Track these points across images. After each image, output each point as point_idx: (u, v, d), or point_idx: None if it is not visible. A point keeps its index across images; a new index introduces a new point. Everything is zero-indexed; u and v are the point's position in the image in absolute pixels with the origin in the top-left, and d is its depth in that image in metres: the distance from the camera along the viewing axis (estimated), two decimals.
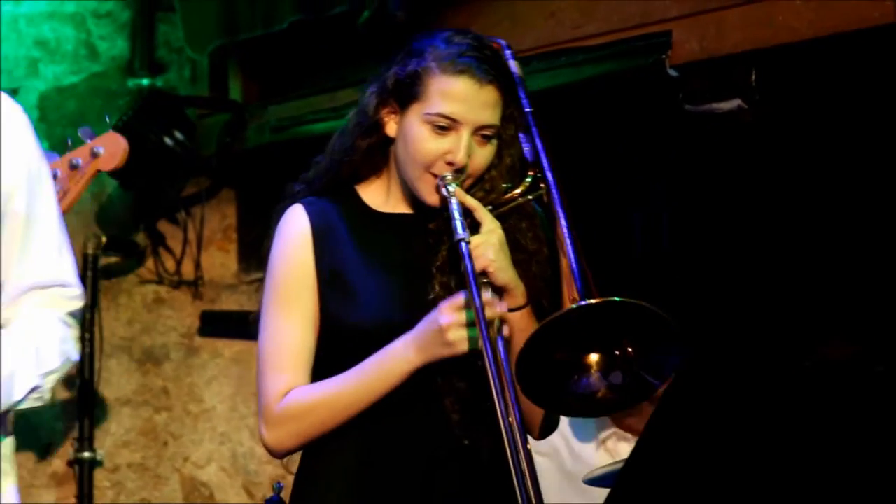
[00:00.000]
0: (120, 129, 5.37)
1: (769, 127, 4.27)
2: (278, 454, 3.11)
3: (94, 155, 3.59)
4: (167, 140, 5.47)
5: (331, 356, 3.08)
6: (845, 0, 3.88)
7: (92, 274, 5.52)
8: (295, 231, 3.12)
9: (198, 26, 5.48)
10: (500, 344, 2.88)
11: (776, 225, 4.75)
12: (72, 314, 3.27)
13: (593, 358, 2.94)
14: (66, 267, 3.26)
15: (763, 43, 3.99)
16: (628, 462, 3.29)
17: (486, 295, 2.93)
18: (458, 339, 2.92)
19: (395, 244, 3.15)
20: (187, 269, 5.72)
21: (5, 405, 3.09)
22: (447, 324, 2.92)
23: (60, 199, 3.57)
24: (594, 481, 4.06)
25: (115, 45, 5.76)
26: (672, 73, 4.15)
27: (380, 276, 3.10)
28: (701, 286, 4.87)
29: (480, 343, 2.86)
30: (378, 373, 3.00)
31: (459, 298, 2.94)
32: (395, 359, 2.99)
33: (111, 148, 3.56)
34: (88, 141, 3.64)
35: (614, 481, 3.69)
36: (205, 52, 5.57)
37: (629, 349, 2.92)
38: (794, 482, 3.10)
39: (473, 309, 2.88)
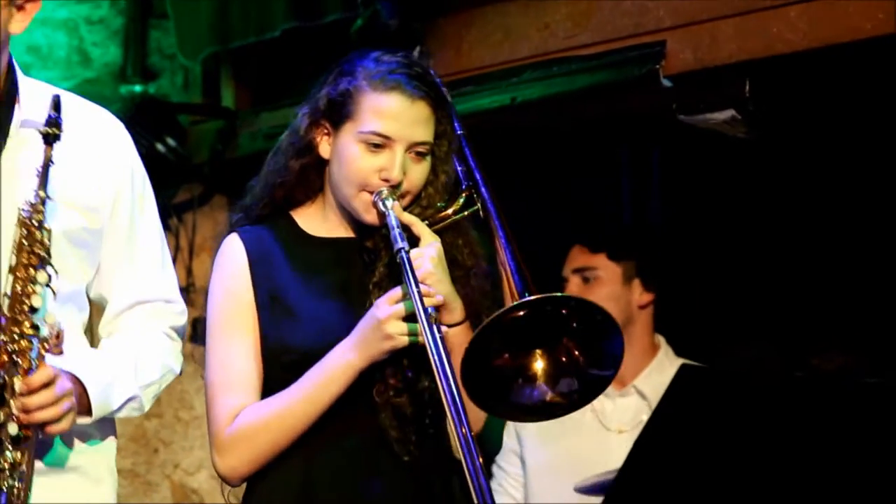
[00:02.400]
0: None
1: (763, 138, 4.27)
2: (233, 482, 3.09)
3: None
4: (159, 147, 5.46)
5: (275, 383, 3.06)
6: (839, 12, 3.89)
7: None
8: (231, 261, 3.11)
9: (190, 33, 5.48)
10: (439, 332, 2.84)
11: (770, 235, 4.77)
12: (175, 329, 3.29)
13: (539, 363, 2.95)
14: (169, 282, 3.30)
15: (757, 54, 3.99)
16: (622, 470, 3.30)
17: (424, 287, 2.89)
18: (398, 330, 2.91)
19: (332, 266, 3.13)
20: (179, 276, 5.70)
21: (103, 412, 3.08)
22: (385, 316, 2.90)
23: None
24: (585, 490, 4.07)
25: (108, 52, 5.76)
26: (666, 83, 4.15)
27: (319, 298, 3.09)
28: (697, 301, 4.88)
29: (420, 335, 2.83)
30: (322, 381, 2.98)
31: (395, 292, 2.93)
32: (337, 364, 2.97)
33: None
34: None
35: (607, 490, 3.69)
36: (197, 59, 5.57)
37: (574, 351, 2.93)
38: (785, 491, 3.11)
39: (413, 297, 2.85)
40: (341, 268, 3.13)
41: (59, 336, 2.99)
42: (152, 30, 5.79)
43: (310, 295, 3.09)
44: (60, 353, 2.99)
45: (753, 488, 3.12)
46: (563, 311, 2.91)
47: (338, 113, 3.08)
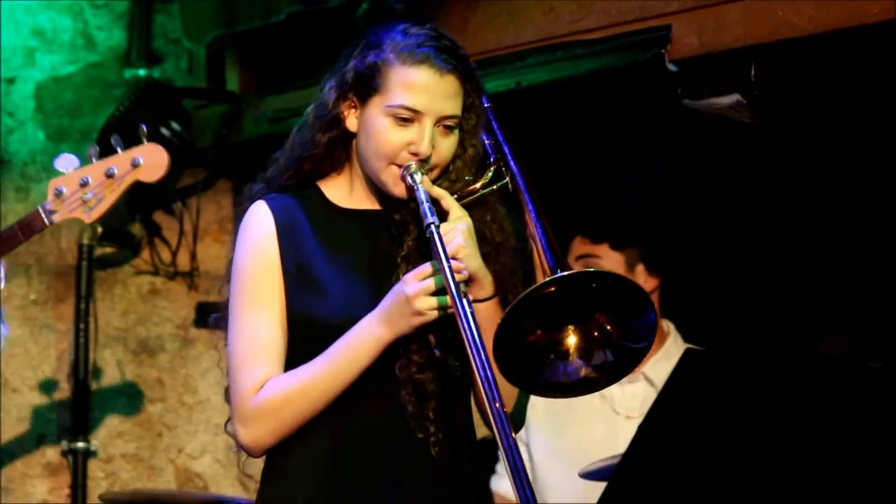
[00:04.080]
0: (117, 119, 5.39)
1: (768, 123, 4.26)
2: (255, 452, 3.08)
3: (134, 165, 3.58)
4: (164, 131, 5.46)
5: (300, 353, 3.05)
6: None
7: (87, 264, 5.52)
8: (259, 228, 3.09)
9: (195, 17, 5.48)
10: (469, 307, 2.84)
11: (775, 220, 4.76)
12: None
13: (572, 338, 2.94)
14: None
15: (763, 38, 3.98)
16: (625, 456, 3.29)
17: (455, 263, 2.88)
18: (426, 306, 2.90)
19: (359, 239, 3.13)
20: (183, 260, 5.72)
21: None
22: (413, 292, 2.90)
23: (93, 207, 3.57)
24: (590, 475, 4.06)
25: (113, 36, 5.75)
26: (671, 67, 4.14)
27: (346, 270, 3.09)
28: (701, 285, 4.88)
29: (450, 308, 2.83)
30: (348, 354, 2.97)
31: (424, 267, 2.92)
32: (364, 338, 2.96)
33: (153, 159, 3.55)
34: (120, 149, 3.64)
35: (610, 475, 3.69)
36: (202, 43, 5.57)
37: (607, 326, 2.92)
38: (790, 478, 3.10)
39: (442, 272, 2.84)
40: (368, 240, 3.13)
41: None
42: (157, 13, 5.79)
43: (336, 267, 3.09)
44: None
45: (756, 475, 3.11)
46: (595, 286, 2.90)
47: (365, 86, 3.06)
